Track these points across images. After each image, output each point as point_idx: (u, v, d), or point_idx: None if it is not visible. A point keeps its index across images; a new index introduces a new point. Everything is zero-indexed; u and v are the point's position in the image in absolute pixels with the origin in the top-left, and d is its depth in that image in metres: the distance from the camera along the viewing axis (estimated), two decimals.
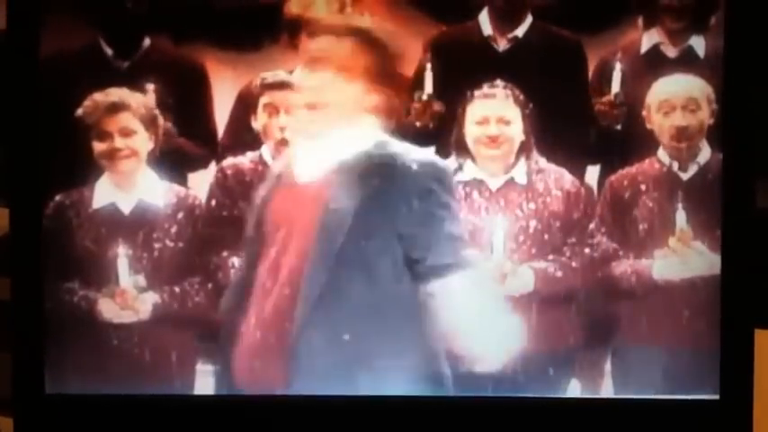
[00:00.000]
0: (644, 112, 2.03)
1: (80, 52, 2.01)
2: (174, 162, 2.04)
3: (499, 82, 2.01)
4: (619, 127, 2.05)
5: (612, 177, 2.06)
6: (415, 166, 1.83)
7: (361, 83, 1.85)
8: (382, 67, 1.86)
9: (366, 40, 1.85)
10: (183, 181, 2.07)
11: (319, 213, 1.83)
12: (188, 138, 2.05)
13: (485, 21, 2.06)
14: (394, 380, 1.86)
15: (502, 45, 2.07)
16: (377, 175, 1.84)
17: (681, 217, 2.01)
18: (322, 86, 1.85)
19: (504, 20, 2.06)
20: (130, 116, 2.00)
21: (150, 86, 2.01)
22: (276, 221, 1.88)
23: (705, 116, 1.99)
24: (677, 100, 2.00)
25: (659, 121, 2.03)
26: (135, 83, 2.00)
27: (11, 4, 1.90)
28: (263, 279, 1.87)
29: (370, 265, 1.83)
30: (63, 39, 1.97)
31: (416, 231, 1.83)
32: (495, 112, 2.02)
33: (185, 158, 2.06)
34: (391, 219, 1.82)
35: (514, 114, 2.02)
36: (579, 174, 2.07)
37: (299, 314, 1.82)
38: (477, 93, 2.01)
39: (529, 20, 2.05)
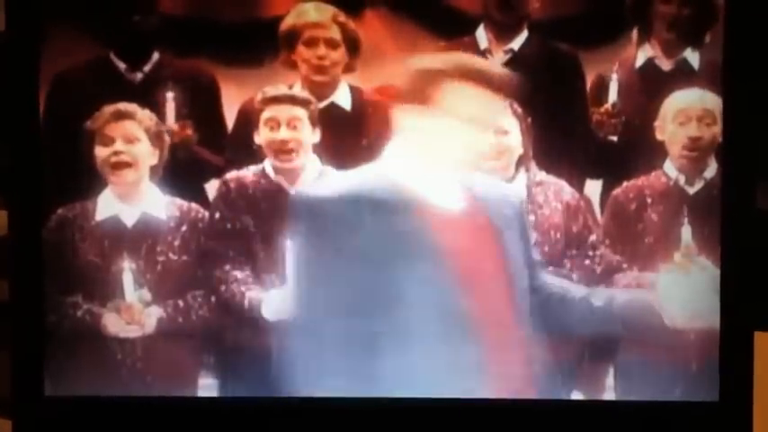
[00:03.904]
0: (656, 122, 2.01)
1: (92, 67, 2.04)
2: (190, 172, 2.05)
3: None
4: (615, 138, 2.04)
5: (618, 190, 2.05)
6: None
7: None
8: None
9: None
10: (198, 191, 2.08)
11: None
12: (205, 147, 2.06)
13: (481, 35, 2.06)
14: None
15: (498, 58, 2.06)
16: None
17: (686, 231, 1.99)
18: None
19: (501, 33, 2.06)
20: (135, 125, 2.01)
21: (167, 96, 2.03)
22: None
23: (718, 132, 1.97)
24: (694, 111, 1.99)
25: (673, 131, 2.01)
26: (148, 95, 2.03)
27: (10, 15, 1.93)
28: None
29: None
30: (75, 54, 2.00)
31: None
32: None
33: (202, 168, 2.07)
34: None
35: (511, 125, 2.00)
36: (579, 186, 2.06)
37: None
38: None
39: (525, 34, 2.05)
